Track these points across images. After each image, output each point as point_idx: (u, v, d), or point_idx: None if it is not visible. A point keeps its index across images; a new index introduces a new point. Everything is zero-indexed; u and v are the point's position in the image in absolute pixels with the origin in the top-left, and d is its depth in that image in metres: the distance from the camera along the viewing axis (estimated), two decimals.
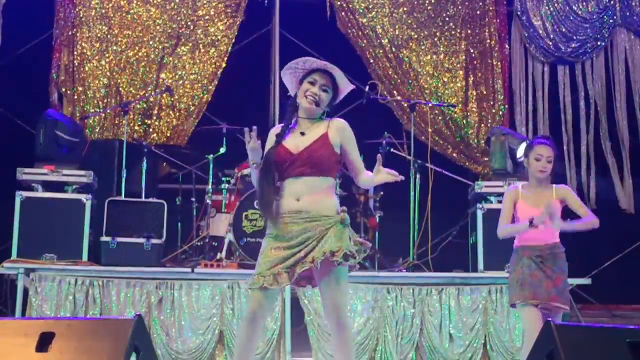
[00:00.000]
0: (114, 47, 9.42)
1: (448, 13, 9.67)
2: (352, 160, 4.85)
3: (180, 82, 9.47)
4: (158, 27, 9.50)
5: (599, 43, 9.57)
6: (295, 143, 4.75)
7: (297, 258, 4.59)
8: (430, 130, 8.88)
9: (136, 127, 9.35)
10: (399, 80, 9.59)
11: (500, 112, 9.52)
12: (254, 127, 4.70)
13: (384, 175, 4.73)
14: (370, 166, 8.06)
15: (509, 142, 8.18)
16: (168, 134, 9.43)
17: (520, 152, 7.98)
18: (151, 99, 9.36)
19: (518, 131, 9.29)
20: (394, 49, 9.60)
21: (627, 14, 9.53)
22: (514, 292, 5.54)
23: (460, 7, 9.67)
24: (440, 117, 9.55)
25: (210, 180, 8.23)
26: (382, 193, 8.31)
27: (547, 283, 5.49)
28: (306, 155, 4.70)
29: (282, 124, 4.87)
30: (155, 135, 9.40)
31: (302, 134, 4.78)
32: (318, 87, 4.79)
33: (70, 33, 9.38)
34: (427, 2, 9.65)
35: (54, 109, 8.95)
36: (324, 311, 4.76)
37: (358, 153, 4.87)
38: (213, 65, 9.51)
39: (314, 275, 4.69)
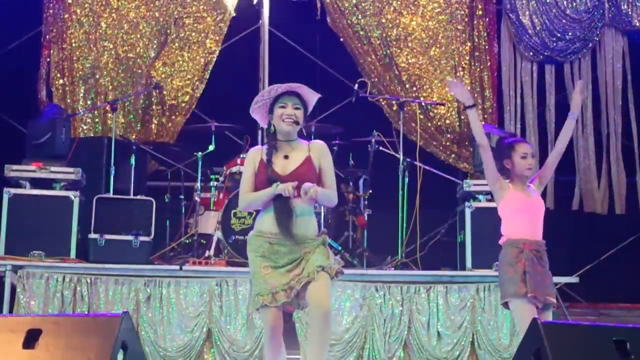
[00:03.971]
0: (103, 44, 9.40)
1: (437, 11, 9.67)
2: (325, 180, 5.06)
3: (169, 79, 9.46)
4: (147, 24, 9.48)
5: (587, 43, 9.59)
6: (281, 166, 4.99)
7: (291, 277, 4.86)
8: (419, 128, 8.88)
9: (125, 124, 9.33)
10: (388, 79, 9.59)
11: (489, 111, 9.53)
12: None
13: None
14: (363, 163, 8.05)
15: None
16: (157, 131, 9.42)
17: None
18: (140, 96, 9.34)
19: (507, 130, 9.28)
20: (383, 47, 9.60)
21: (616, 13, 9.55)
22: (515, 286, 5.43)
23: (449, 5, 9.67)
24: (429, 116, 9.55)
25: (199, 177, 8.22)
26: (370, 191, 8.33)
27: (545, 278, 5.49)
28: (294, 178, 4.92)
29: (263, 147, 5.12)
30: (143, 132, 9.38)
31: (286, 157, 5.02)
32: (291, 108, 5.00)
33: (59, 30, 9.35)
34: (416, 1, 9.66)
35: (43, 105, 8.95)
36: (309, 299, 4.88)
37: (333, 173, 5.11)
38: (202, 63, 9.50)
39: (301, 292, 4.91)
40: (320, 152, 5.06)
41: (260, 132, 8.84)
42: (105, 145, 8.44)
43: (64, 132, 8.12)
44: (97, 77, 9.35)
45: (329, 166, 5.07)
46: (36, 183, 7.82)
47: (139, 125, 9.39)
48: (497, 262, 5.76)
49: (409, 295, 7.30)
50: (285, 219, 4.90)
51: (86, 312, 7.04)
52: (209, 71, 9.50)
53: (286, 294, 4.83)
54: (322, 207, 7.55)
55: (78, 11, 9.38)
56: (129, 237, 7.64)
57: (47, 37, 9.32)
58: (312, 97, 5.10)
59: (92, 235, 7.63)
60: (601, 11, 9.55)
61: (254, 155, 5.09)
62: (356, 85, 8.20)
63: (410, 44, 9.63)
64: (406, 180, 8.04)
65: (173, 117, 9.43)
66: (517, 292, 5.39)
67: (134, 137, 9.11)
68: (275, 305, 4.85)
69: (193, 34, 9.54)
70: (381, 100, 9.29)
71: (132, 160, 8.20)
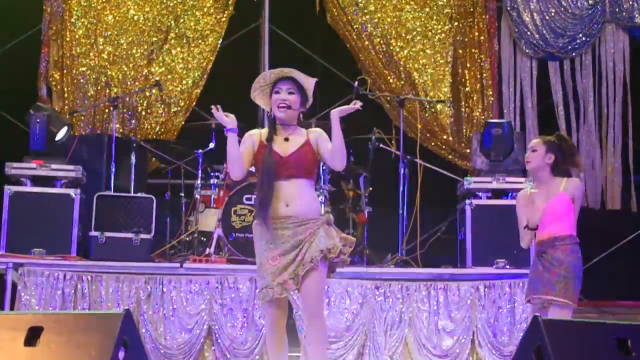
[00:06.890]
0: (103, 42, 9.40)
1: (438, 9, 9.66)
2: (328, 148, 5.02)
3: (170, 76, 9.46)
4: (147, 21, 9.47)
5: (588, 39, 9.58)
6: (282, 147, 5.04)
7: (297, 262, 4.86)
8: (419, 126, 8.88)
9: (125, 122, 9.33)
10: (388, 76, 9.58)
11: (489, 108, 9.52)
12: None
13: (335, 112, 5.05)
14: (363, 160, 8.03)
15: None
16: (157, 129, 9.42)
17: None
18: (140, 94, 9.34)
19: None
20: (383, 45, 9.59)
21: (617, 10, 9.53)
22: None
23: (449, 3, 9.67)
24: (429, 113, 9.55)
25: (199, 175, 8.22)
26: (371, 189, 8.32)
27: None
28: (295, 158, 4.99)
29: (262, 129, 5.19)
30: (144, 130, 9.38)
31: (287, 139, 5.07)
32: (285, 93, 5.07)
33: (58, 27, 9.35)
34: None
35: (42, 104, 8.95)
36: (301, 303, 4.99)
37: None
38: (202, 60, 9.50)
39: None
40: (317, 134, 5.10)
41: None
42: (106, 142, 8.44)
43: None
44: (97, 74, 9.35)
45: (327, 139, 5.07)
46: (37, 181, 7.83)
47: (139, 123, 9.39)
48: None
49: (410, 293, 7.30)
50: (264, 199, 4.91)
51: (87, 310, 7.05)
52: (210, 69, 9.50)
53: (294, 281, 4.84)
54: (323, 206, 7.54)
55: (78, 9, 9.38)
56: (130, 235, 7.64)
57: (47, 34, 9.32)
58: (309, 82, 5.12)
59: (93, 233, 7.63)
60: (602, 7, 9.55)
61: (253, 135, 5.16)
62: (356, 83, 8.19)
63: (410, 41, 9.62)
64: (406, 177, 8.04)
65: (173, 114, 9.43)
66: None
67: (134, 134, 9.10)
68: (285, 295, 4.86)
69: (193, 31, 9.54)
70: (381, 97, 9.29)
71: (133, 158, 8.19)
